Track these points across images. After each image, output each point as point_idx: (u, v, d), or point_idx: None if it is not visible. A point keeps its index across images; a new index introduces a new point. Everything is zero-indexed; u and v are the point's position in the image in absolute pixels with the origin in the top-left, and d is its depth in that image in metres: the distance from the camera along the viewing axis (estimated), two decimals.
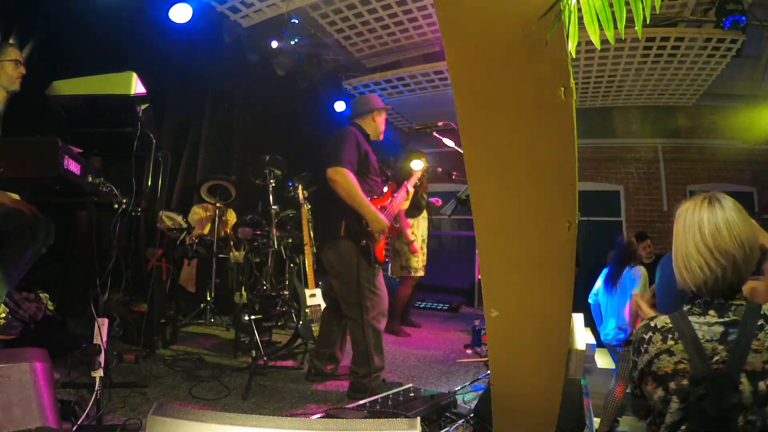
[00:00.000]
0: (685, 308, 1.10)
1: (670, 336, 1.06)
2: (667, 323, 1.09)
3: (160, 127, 3.93)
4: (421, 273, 4.43)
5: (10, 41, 2.39)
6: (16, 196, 2.21)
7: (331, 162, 2.47)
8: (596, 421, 2.72)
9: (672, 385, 1.04)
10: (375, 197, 2.64)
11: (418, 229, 4.43)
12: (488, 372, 2.29)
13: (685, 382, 1.02)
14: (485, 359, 3.33)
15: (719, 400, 0.97)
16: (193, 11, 3.70)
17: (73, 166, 1.67)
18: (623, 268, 3.59)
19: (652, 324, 1.11)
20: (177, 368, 2.80)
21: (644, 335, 1.11)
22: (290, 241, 4.00)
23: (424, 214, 4.51)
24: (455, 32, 1.40)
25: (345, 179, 2.44)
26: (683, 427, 1.03)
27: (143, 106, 2.03)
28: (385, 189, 2.80)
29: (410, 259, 4.31)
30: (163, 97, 3.98)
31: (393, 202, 2.79)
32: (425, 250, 4.49)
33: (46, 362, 1.58)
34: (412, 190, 3.11)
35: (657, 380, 1.07)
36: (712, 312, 1.05)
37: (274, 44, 4.57)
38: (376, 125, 2.82)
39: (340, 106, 5.68)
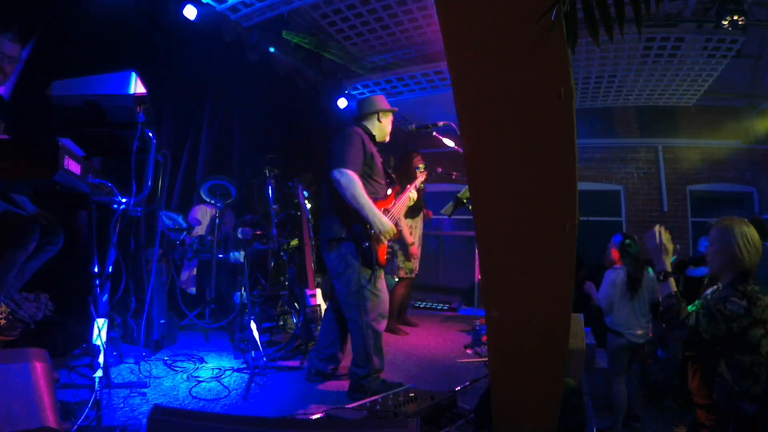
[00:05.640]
0: (752, 280, 1.87)
1: (765, 298, 1.83)
2: (760, 289, 1.84)
3: (160, 127, 3.93)
4: (416, 272, 4.44)
5: (9, 35, 2.24)
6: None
7: (336, 163, 2.45)
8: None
9: (767, 327, 1.80)
10: (379, 199, 2.63)
11: (416, 230, 4.44)
12: (488, 372, 2.29)
13: None
14: (485, 359, 3.33)
15: None
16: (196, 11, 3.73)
17: (73, 166, 1.67)
18: None
19: (756, 288, 1.84)
20: (177, 368, 2.80)
21: (759, 295, 1.81)
22: (291, 242, 4.00)
23: (421, 214, 4.52)
24: (455, 32, 1.40)
25: (349, 181, 2.42)
26: None
27: (143, 106, 2.03)
28: (389, 191, 2.78)
29: (406, 260, 4.31)
30: (163, 97, 3.98)
31: (396, 204, 2.77)
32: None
33: (46, 362, 1.58)
34: (415, 195, 3.09)
35: (762, 324, 1.78)
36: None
37: (272, 49, 4.61)
38: (382, 126, 2.79)
39: (342, 102, 5.68)
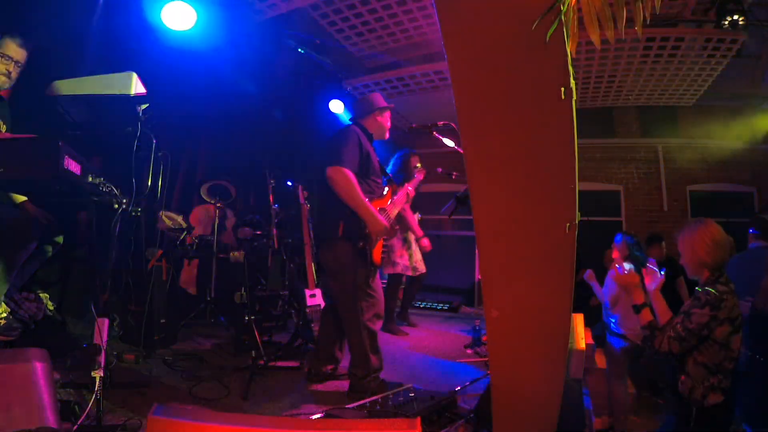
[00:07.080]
0: (723, 279, 1.90)
1: (731, 296, 1.85)
2: (729, 288, 1.87)
3: (160, 127, 3.93)
4: (410, 273, 4.39)
5: (14, 36, 2.25)
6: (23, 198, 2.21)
7: (332, 161, 2.46)
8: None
9: (736, 324, 1.83)
10: (375, 198, 2.64)
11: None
12: (488, 372, 2.30)
13: (738, 322, 1.85)
14: (485, 359, 3.33)
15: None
16: (194, 11, 3.71)
17: (73, 166, 1.67)
18: None
19: (721, 288, 1.85)
20: (177, 368, 2.80)
21: (724, 296, 1.84)
22: (290, 241, 4.00)
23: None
24: (455, 32, 1.41)
25: (345, 179, 2.43)
26: (742, 350, 1.87)
27: (143, 106, 2.03)
28: (386, 190, 2.78)
29: (406, 256, 4.29)
30: (163, 97, 3.98)
31: (392, 203, 2.78)
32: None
33: (46, 362, 1.58)
34: (413, 192, 3.09)
35: (730, 322, 1.82)
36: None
37: (271, 50, 4.62)
38: (380, 124, 2.81)
39: (337, 106, 5.66)
